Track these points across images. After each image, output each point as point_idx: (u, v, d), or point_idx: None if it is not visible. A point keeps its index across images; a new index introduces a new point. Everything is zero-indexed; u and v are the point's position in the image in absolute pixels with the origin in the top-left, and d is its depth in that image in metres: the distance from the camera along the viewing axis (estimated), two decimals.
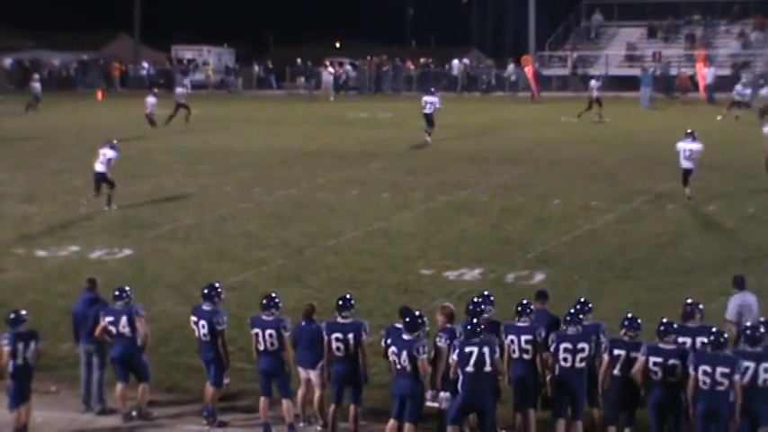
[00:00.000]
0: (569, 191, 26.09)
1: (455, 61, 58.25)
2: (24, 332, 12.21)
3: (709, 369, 10.73)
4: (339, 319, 12.21)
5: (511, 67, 56.96)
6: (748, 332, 11.02)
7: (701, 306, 11.99)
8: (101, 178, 24.38)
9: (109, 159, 24.47)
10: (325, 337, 12.17)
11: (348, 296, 12.41)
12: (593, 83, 42.29)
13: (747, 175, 27.90)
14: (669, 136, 34.69)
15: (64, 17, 70.96)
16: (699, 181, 27.18)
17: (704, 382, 10.74)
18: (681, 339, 11.44)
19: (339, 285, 17.48)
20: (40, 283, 18.52)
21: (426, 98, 34.83)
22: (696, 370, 10.77)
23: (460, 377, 11.32)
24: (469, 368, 11.29)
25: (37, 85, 47.64)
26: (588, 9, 60.95)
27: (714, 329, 11.19)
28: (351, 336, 12.04)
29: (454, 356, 11.37)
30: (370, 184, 27.44)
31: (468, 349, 11.31)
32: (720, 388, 10.70)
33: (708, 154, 31.16)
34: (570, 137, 36.27)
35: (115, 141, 25.23)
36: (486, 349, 11.33)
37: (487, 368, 11.33)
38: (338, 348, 12.08)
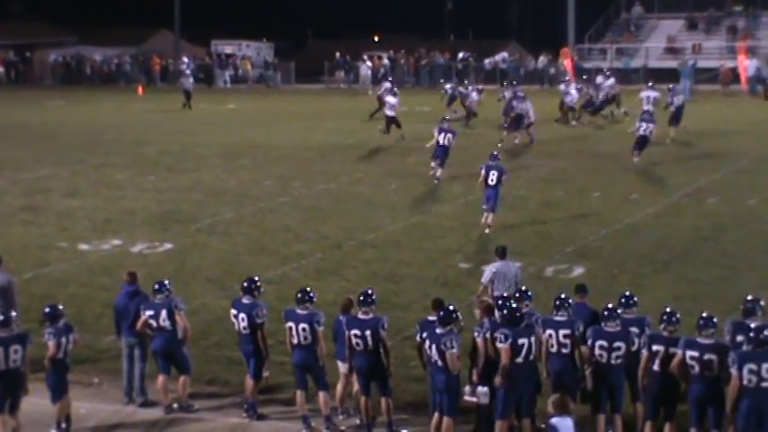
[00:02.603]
0: (609, 185, 25.98)
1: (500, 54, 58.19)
2: (63, 326, 12.36)
3: (754, 367, 10.63)
4: (360, 315, 12.23)
5: (542, 59, 56.63)
6: (752, 334, 10.92)
7: (762, 302, 11.88)
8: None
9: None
10: (345, 332, 12.23)
11: (369, 292, 12.40)
12: (602, 80, 39.77)
13: None
14: (710, 130, 34.53)
15: (105, 13, 71.53)
16: (741, 174, 27.02)
17: (749, 381, 10.65)
18: (739, 338, 11.34)
19: (378, 279, 17.54)
20: (82, 276, 18.73)
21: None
22: (740, 369, 10.66)
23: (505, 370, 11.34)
24: (520, 359, 11.36)
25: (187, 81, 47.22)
26: (628, 1, 60.56)
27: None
28: (369, 332, 12.06)
29: (501, 345, 11.36)
30: (408, 178, 27.44)
31: (520, 341, 11.38)
32: (765, 384, 10.61)
33: (752, 146, 31.02)
34: (607, 130, 36.05)
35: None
36: (533, 339, 11.46)
37: (532, 357, 11.44)
38: (357, 344, 12.12)
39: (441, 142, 26.19)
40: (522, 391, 11.52)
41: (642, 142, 28.24)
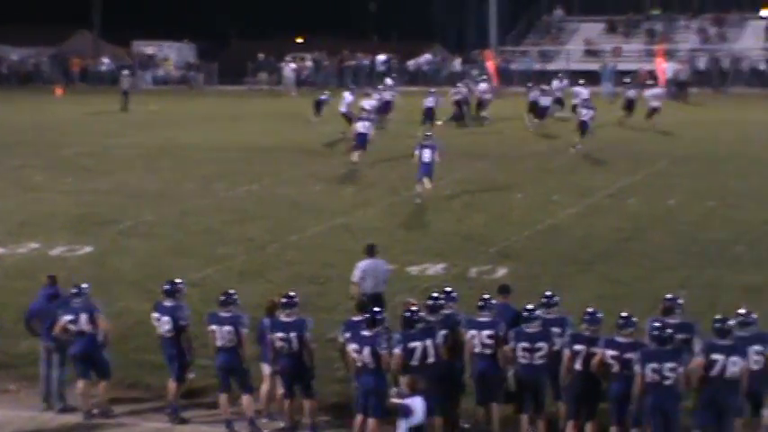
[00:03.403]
0: (531, 186, 26.20)
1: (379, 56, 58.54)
2: None
3: (656, 366, 10.77)
4: (283, 317, 12.18)
5: (458, 62, 57.05)
6: (717, 324, 11.08)
7: (680, 301, 12.04)
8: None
9: None
10: (269, 335, 12.15)
11: (293, 294, 12.37)
12: (557, 83, 40.45)
13: (707, 170, 28.11)
14: (628, 131, 35.01)
15: (23, 12, 70.24)
16: (660, 175, 27.46)
17: (653, 379, 10.79)
18: None
19: (302, 281, 17.46)
20: None
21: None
22: (644, 368, 10.80)
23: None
24: (415, 362, 11.40)
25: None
26: (549, 4, 61.20)
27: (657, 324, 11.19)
28: (293, 334, 12.02)
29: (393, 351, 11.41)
30: (332, 180, 27.41)
31: (412, 344, 11.42)
32: (668, 382, 10.77)
33: (670, 148, 31.54)
34: (528, 133, 36.36)
35: None
36: (430, 342, 11.48)
37: (431, 360, 11.47)
38: (281, 346, 12.07)
39: (424, 159, 24.37)
40: (429, 394, 11.47)
41: (583, 128, 30.71)
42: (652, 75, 50.38)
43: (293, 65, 57.06)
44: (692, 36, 56.40)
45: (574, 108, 37.49)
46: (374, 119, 30.94)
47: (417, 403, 10.49)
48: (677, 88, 48.23)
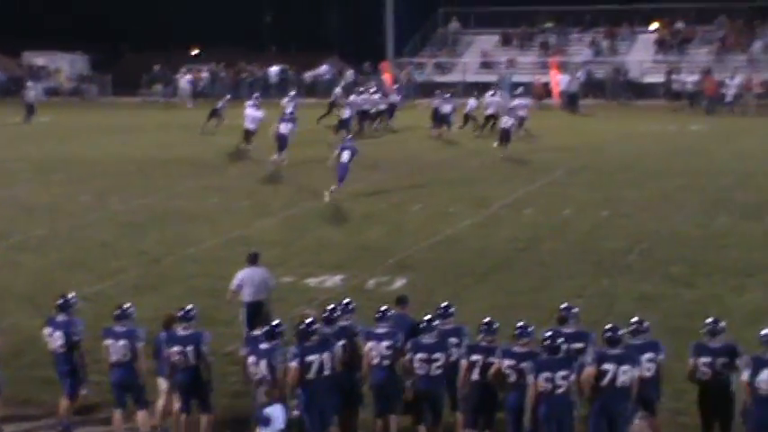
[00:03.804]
0: (429, 197, 26.33)
1: (272, 68, 58.53)
2: None
3: (549, 375, 10.88)
4: (180, 331, 12.04)
5: (349, 73, 57.29)
6: (608, 334, 11.23)
7: (575, 310, 12.17)
8: None
9: None
10: (165, 349, 11.99)
11: (190, 307, 12.23)
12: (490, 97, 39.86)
13: (601, 180, 28.58)
14: (524, 142, 35.44)
15: None
16: (555, 185, 27.85)
17: (545, 388, 10.90)
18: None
19: (199, 294, 17.24)
20: None
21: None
22: (537, 377, 10.90)
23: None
24: (311, 375, 11.33)
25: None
26: (445, 16, 61.71)
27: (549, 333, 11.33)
28: (190, 348, 11.89)
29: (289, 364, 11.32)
30: (229, 192, 27.20)
31: (309, 358, 11.34)
32: (560, 391, 10.89)
33: (565, 159, 32.03)
34: (431, 144, 36.60)
35: None
36: (326, 355, 11.40)
37: (327, 373, 11.41)
38: (178, 360, 11.92)
39: (342, 160, 25.47)
40: (325, 406, 11.44)
41: (505, 136, 32.17)
42: (547, 86, 51.26)
43: (189, 76, 56.53)
44: (584, 49, 57.39)
45: (466, 119, 38.16)
46: (295, 121, 31.83)
47: (277, 411, 10.46)
48: (569, 99, 49.08)
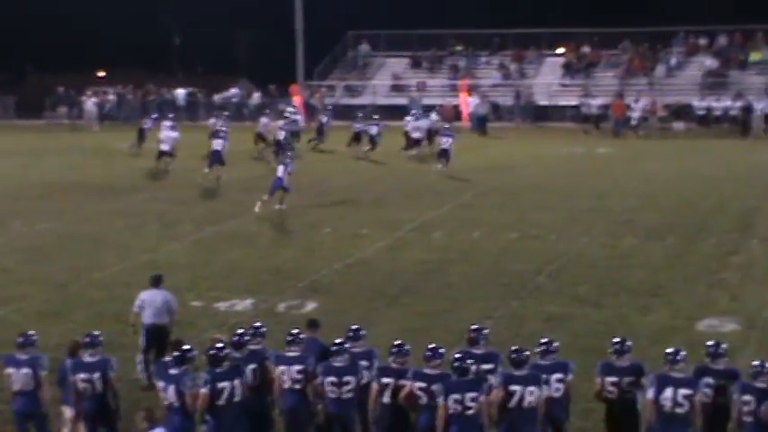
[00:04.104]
0: (339, 219, 26.30)
1: (179, 90, 58.23)
2: None
3: (458, 396, 10.90)
4: (87, 358, 11.85)
5: (257, 95, 57.23)
6: (513, 355, 11.30)
7: (485, 331, 12.20)
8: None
9: None
10: (71, 377, 11.77)
11: (96, 333, 12.07)
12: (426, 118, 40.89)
13: (509, 203, 28.84)
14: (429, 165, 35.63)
15: None
16: (464, 208, 28.04)
17: (455, 410, 10.91)
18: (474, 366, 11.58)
19: (106, 320, 16.97)
20: None
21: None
22: (447, 399, 10.91)
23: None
24: (222, 402, 11.21)
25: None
26: (355, 39, 61.91)
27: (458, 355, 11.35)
28: (96, 375, 11.72)
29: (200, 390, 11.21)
30: (137, 216, 26.85)
31: (221, 385, 11.22)
32: (470, 412, 10.91)
33: (473, 181, 32.27)
34: (341, 166, 36.59)
35: None
36: (237, 381, 11.31)
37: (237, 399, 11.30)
38: (84, 388, 11.72)
39: (279, 174, 27.08)
40: (243, 429, 11.35)
41: (444, 154, 33.85)
42: (457, 109, 51.68)
43: (95, 98, 55.74)
44: (493, 72, 58.03)
45: (372, 140, 38.50)
46: (227, 138, 33.23)
47: None
48: (479, 122, 49.53)
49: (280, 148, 35.69)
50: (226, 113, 42.62)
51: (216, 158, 31.90)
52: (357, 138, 39.49)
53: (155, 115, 42.97)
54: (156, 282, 14.98)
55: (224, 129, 34.52)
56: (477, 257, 22.24)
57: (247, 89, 61.16)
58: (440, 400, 10.94)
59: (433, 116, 41.56)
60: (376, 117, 40.56)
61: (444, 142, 34.37)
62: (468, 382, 11.03)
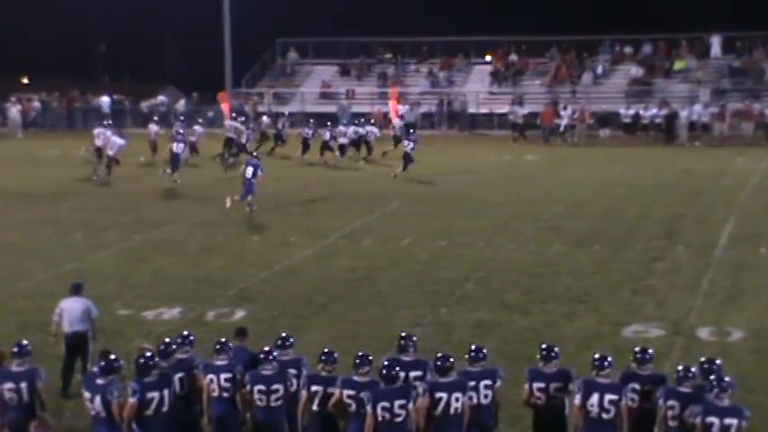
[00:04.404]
0: (268, 227, 26.22)
1: (103, 98, 57.77)
2: None
3: (387, 404, 10.90)
4: (14, 367, 11.69)
5: (182, 102, 56.92)
6: (438, 363, 11.34)
7: (414, 339, 12.22)
8: None
9: None
10: None
11: (24, 342, 11.89)
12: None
13: (438, 210, 28.96)
14: (365, 172, 35.72)
15: None
16: (393, 215, 28.13)
17: (383, 417, 10.89)
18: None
19: (30, 330, 16.70)
20: None
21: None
22: (375, 407, 10.90)
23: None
24: (150, 412, 11.16)
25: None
26: (283, 47, 61.83)
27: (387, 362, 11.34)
28: (24, 384, 11.57)
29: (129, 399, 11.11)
30: (62, 224, 26.51)
31: (150, 395, 11.14)
32: (399, 420, 10.91)
33: (402, 189, 32.37)
34: (270, 174, 36.38)
35: None
36: (167, 391, 11.23)
37: (165, 409, 11.22)
38: (11, 398, 11.56)
39: (247, 175, 27.59)
40: None
41: (407, 158, 34.69)
42: (387, 116, 51.80)
43: (19, 106, 54.96)
44: (421, 80, 58.31)
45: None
46: (186, 140, 35.25)
47: None
48: (404, 130, 49.61)
49: (240, 150, 37.50)
50: (182, 118, 44.51)
51: (175, 161, 33.10)
52: (307, 145, 39.93)
53: (107, 122, 41.93)
54: (77, 290, 14.88)
55: (182, 132, 35.70)
56: (406, 265, 22.30)
57: (174, 96, 60.79)
58: (368, 408, 10.95)
59: (369, 127, 42.06)
60: (328, 124, 40.81)
61: (407, 146, 35.38)
62: (396, 389, 11.04)
